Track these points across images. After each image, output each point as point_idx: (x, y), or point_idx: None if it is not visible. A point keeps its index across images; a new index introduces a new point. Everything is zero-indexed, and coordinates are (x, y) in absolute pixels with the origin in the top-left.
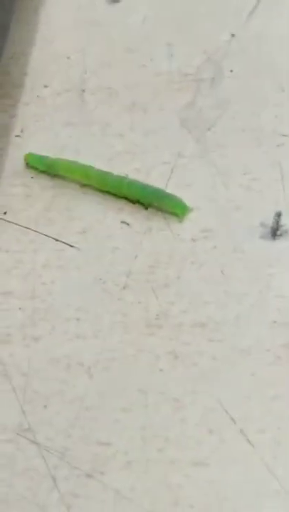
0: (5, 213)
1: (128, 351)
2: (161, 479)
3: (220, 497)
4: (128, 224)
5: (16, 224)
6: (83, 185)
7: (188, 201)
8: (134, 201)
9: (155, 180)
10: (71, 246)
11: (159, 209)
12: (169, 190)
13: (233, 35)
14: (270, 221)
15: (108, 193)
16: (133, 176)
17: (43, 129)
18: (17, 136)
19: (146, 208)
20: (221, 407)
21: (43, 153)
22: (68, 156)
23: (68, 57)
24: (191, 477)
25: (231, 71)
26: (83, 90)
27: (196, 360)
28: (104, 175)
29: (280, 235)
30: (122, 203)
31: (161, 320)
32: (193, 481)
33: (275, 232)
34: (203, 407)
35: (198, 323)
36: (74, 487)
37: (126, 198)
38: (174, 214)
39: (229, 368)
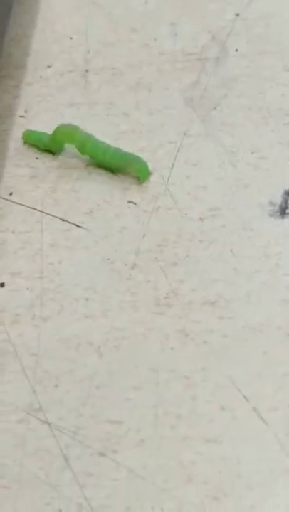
0: (10, 194)
1: (138, 330)
2: (174, 456)
3: (233, 474)
4: (135, 203)
5: (21, 205)
6: (88, 165)
7: (195, 180)
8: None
9: (161, 159)
10: (78, 226)
11: (124, 172)
12: (175, 169)
13: (237, 15)
14: (278, 199)
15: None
16: (139, 155)
17: (47, 109)
18: (21, 116)
19: (115, 173)
20: (233, 385)
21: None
22: None
23: (71, 38)
24: (204, 454)
25: (236, 50)
26: (87, 70)
27: (207, 338)
28: (86, 138)
29: None
30: (128, 183)
31: (171, 299)
32: (207, 458)
33: (284, 211)
34: (214, 385)
35: (208, 301)
36: (87, 466)
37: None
38: (137, 177)
39: (240, 345)
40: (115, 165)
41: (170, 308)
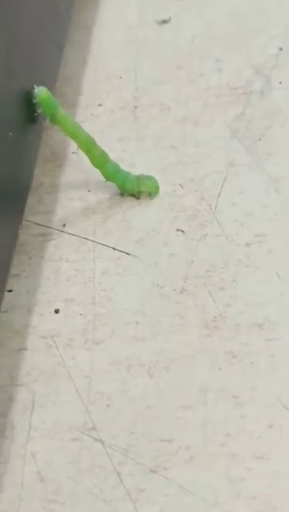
0: (64, 225)
1: (187, 352)
2: (224, 473)
3: (283, 489)
4: (183, 231)
5: (74, 235)
6: (139, 196)
7: (241, 208)
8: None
9: (208, 188)
10: (128, 254)
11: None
12: (222, 198)
13: (281, 49)
14: None
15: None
16: (187, 185)
17: (98, 144)
18: (73, 152)
19: (138, 198)
20: (280, 403)
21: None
22: (123, 167)
23: (120, 77)
24: (253, 470)
25: (280, 83)
26: (136, 107)
27: (254, 359)
28: (91, 146)
29: None
30: (176, 211)
31: (219, 322)
32: (256, 474)
33: None
34: (262, 404)
35: (255, 323)
36: (139, 482)
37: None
38: (149, 194)
39: (287, 365)
40: (135, 189)
41: (218, 330)
